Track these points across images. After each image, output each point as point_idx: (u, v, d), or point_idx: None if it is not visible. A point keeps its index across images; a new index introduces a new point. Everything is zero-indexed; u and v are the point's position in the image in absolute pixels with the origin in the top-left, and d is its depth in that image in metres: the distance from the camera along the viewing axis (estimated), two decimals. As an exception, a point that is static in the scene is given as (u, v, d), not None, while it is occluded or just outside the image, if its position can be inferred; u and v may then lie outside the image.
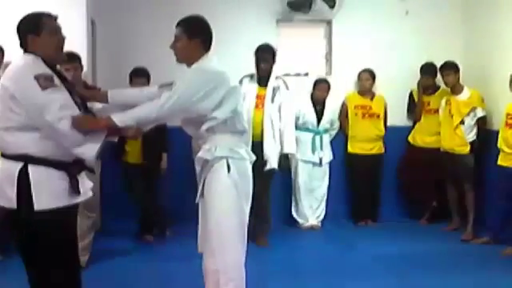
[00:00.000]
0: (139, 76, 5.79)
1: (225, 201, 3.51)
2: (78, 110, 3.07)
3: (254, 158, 3.76)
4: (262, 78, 5.89)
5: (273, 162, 5.79)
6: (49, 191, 2.99)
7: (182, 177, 5.62)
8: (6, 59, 5.36)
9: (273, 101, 5.87)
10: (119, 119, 3.17)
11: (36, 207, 2.95)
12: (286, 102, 5.93)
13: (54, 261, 3.07)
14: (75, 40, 5.44)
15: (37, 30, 3.10)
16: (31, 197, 2.94)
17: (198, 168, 3.64)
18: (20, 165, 2.96)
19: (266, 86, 5.89)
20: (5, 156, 3.04)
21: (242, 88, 5.73)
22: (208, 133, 3.51)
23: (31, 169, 2.96)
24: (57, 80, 3.04)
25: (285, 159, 5.97)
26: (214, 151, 3.50)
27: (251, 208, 5.86)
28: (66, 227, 3.13)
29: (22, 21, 3.18)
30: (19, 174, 2.95)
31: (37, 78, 2.94)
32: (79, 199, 3.14)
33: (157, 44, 6.49)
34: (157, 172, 6.00)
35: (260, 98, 5.87)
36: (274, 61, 5.88)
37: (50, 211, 2.97)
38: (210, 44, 3.61)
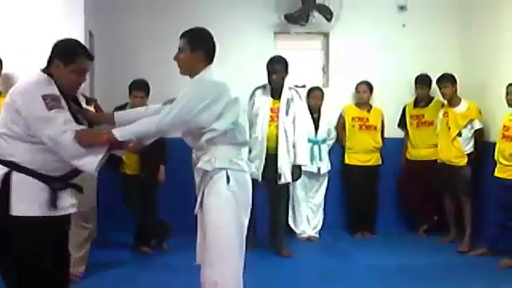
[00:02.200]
0: (138, 88, 5.79)
1: (224, 212, 3.51)
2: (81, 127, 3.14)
3: (253, 169, 3.77)
4: (275, 90, 5.92)
5: (287, 176, 5.84)
6: (27, 199, 3.05)
7: (180, 189, 5.62)
8: (4, 70, 5.40)
9: (287, 113, 5.89)
10: (119, 133, 3.22)
11: (11, 212, 3.01)
12: (300, 114, 5.96)
13: (27, 269, 3.09)
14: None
15: (66, 61, 3.16)
16: (9, 202, 3.01)
17: (197, 179, 3.65)
18: (5, 170, 3.05)
19: (279, 98, 5.91)
20: None
21: (255, 100, 5.79)
22: (208, 144, 3.53)
23: (15, 175, 3.04)
24: (63, 102, 3.11)
25: (297, 170, 5.98)
26: (213, 162, 3.51)
27: (269, 219, 5.93)
28: (43, 237, 3.12)
29: (61, 42, 3.26)
30: (3, 178, 3.04)
31: (44, 97, 3.01)
32: (58, 213, 3.15)
33: (155, 56, 6.56)
34: (154, 184, 6.00)
35: (274, 111, 5.89)
36: (286, 72, 5.91)
37: (26, 218, 3.03)
38: (213, 56, 3.65)
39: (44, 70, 3.19)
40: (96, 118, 3.60)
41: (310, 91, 6.79)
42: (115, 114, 3.68)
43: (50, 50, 3.21)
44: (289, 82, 6.05)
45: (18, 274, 3.10)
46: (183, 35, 3.64)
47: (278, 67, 5.86)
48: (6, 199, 3.02)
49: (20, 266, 3.08)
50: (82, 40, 5.54)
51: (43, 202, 3.09)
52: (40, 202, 3.08)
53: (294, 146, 5.88)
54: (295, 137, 5.89)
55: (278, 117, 5.87)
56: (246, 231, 3.64)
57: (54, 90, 3.09)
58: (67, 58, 3.16)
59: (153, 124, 3.37)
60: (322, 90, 6.80)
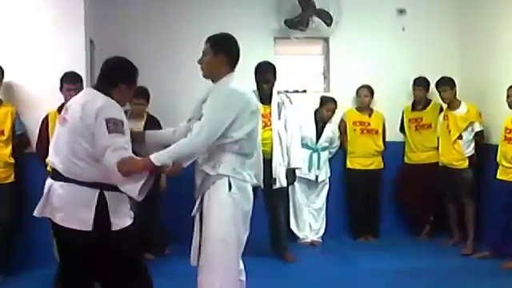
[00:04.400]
0: (139, 96, 5.80)
1: (223, 219, 3.53)
2: (131, 152, 3.33)
3: (255, 181, 3.79)
4: (264, 96, 5.90)
5: (282, 180, 5.83)
6: (121, 213, 3.38)
7: (181, 195, 5.61)
8: (5, 79, 5.42)
9: (279, 117, 5.90)
10: (156, 158, 3.29)
11: (113, 228, 3.31)
12: (291, 117, 5.97)
13: (127, 272, 3.39)
14: (74, 60, 5.49)
15: (130, 83, 3.47)
16: (109, 219, 3.29)
17: (198, 181, 3.66)
18: (97, 191, 3.28)
19: (269, 103, 5.91)
20: (78, 182, 3.28)
21: None
22: (217, 149, 3.55)
23: (107, 194, 3.30)
24: (126, 125, 3.31)
25: (291, 174, 5.98)
26: (217, 168, 3.54)
27: (270, 225, 5.91)
28: (136, 242, 3.55)
29: (120, 65, 3.51)
30: (98, 199, 3.27)
31: (107, 120, 3.22)
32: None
33: (156, 64, 6.56)
34: (156, 191, 5.99)
35: (266, 117, 5.87)
36: (275, 78, 5.90)
37: (123, 230, 3.35)
38: (237, 62, 3.73)
39: (102, 91, 3.36)
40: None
41: (325, 102, 6.76)
42: (146, 133, 3.80)
43: (108, 73, 3.44)
44: (278, 86, 6.07)
45: (118, 277, 3.38)
46: (208, 40, 3.70)
47: (268, 76, 5.86)
48: (104, 218, 3.27)
49: (124, 273, 3.36)
50: (82, 49, 5.60)
51: (128, 213, 3.43)
52: (127, 213, 3.42)
53: (287, 151, 5.89)
54: (288, 140, 5.90)
55: (270, 121, 5.87)
56: (245, 238, 3.67)
57: (122, 115, 3.32)
58: (131, 80, 3.48)
59: (187, 145, 3.43)
60: (336, 102, 6.78)
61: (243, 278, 3.79)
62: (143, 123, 5.78)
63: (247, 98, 3.61)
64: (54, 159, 3.39)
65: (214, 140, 3.45)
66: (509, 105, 5.54)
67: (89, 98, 3.34)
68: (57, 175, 3.35)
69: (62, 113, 3.46)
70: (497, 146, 5.74)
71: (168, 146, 3.47)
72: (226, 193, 3.53)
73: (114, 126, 3.22)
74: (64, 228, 3.31)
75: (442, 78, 6.45)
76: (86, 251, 3.31)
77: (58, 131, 3.44)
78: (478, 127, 6.30)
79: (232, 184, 3.54)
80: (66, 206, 3.30)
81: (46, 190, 3.41)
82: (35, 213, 3.43)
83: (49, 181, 3.41)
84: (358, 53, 7.07)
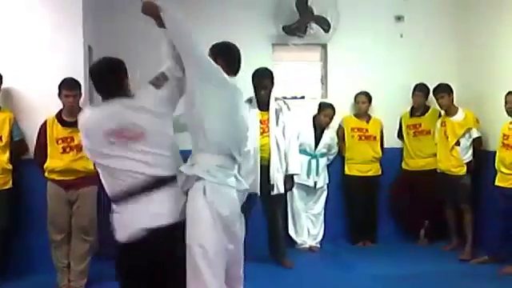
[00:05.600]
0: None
1: (197, 224, 3.35)
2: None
3: (243, 187, 3.60)
4: (262, 102, 5.90)
5: (280, 187, 5.84)
6: None
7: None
8: (3, 85, 5.42)
9: (277, 123, 5.91)
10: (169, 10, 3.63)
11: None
12: (289, 123, 5.98)
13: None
14: (72, 67, 5.50)
15: (127, 74, 3.58)
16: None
17: (179, 181, 3.42)
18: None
19: (267, 109, 5.92)
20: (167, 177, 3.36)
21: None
22: (195, 147, 3.48)
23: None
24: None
25: (289, 180, 5.99)
26: (192, 168, 3.40)
27: (268, 231, 5.85)
28: None
29: (116, 66, 3.57)
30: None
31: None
32: None
33: (154, 70, 6.54)
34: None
35: (264, 123, 5.88)
36: (272, 84, 5.91)
37: None
38: (237, 67, 3.80)
39: (115, 97, 3.43)
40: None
41: (323, 108, 6.76)
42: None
43: (106, 79, 3.48)
44: (276, 92, 6.08)
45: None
46: (209, 49, 3.76)
47: (266, 82, 5.85)
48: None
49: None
50: (81, 55, 5.61)
51: None
52: None
53: (285, 157, 5.90)
54: (286, 146, 5.90)
55: (268, 128, 5.87)
56: (226, 246, 3.44)
57: None
58: (126, 72, 3.59)
59: (189, 33, 3.62)
60: (334, 109, 6.77)
61: (241, 286, 3.69)
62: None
63: (228, 80, 3.60)
64: (148, 170, 3.33)
65: (198, 56, 3.51)
66: (507, 111, 5.55)
67: (120, 107, 3.40)
68: (152, 183, 3.34)
69: (116, 139, 3.32)
70: (495, 152, 5.74)
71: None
72: (200, 196, 3.34)
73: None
74: (162, 228, 3.32)
75: (440, 84, 6.46)
76: (175, 246, 3.35)
77: (125, 153, 3.33)
78: (475, 133, 6.31)
79: (207, 187, 3.35)
80: (168, 202, 3.35)
81: (138, 206, 3.35)
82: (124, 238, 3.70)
83: (141, 196, 3.34)
84: (355, 59, 7.07)
